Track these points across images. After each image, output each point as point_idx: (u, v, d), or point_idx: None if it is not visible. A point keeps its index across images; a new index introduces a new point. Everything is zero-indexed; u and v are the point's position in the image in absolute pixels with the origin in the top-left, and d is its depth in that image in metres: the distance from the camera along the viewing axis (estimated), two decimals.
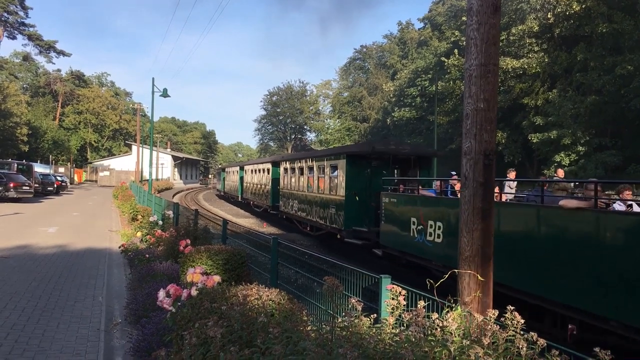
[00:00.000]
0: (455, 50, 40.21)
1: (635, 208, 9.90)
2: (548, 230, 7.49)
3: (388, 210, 12.90)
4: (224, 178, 47.17)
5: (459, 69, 37.31)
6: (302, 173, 20.40)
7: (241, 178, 35.92)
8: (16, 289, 8.09)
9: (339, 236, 16.24)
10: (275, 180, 25.19)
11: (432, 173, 16.50)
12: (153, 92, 30.58)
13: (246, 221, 27.71)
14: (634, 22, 29.14)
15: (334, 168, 16.72)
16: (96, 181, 68.11)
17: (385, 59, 72.66)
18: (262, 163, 29.72)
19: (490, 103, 3.82)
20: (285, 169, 22.99)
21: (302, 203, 19.94)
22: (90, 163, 77.52)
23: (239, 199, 36.84)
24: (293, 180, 21.62)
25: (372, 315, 3.33)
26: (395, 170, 16.58)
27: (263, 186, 27.98)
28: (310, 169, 19.23)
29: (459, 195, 8.51)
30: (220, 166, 68.27)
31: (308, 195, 19.25)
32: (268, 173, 26.70)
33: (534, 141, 32.24)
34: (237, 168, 38.62)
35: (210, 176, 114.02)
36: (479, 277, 3.68)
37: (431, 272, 10.35)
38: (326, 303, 5.12)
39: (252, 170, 32.06)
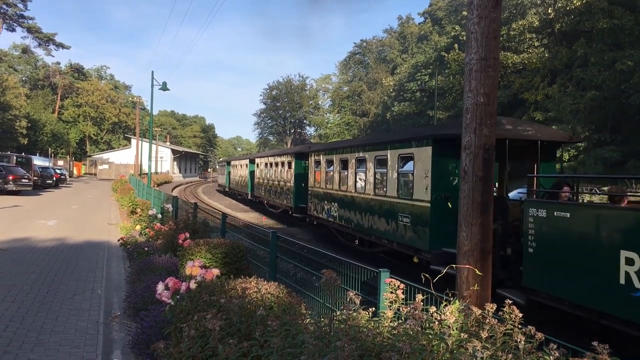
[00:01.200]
0: (456, 45, 40.13)
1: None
2: None
3: (545, 232, 7.61)
4: (229, 172, 42.62)
5: (459, 64, 37.22)
6: (344, 167, 15.72)
7: (252, 172, 32.07)
8: (15, 281, 8.09)
9: (415, 259, 11.26)
10: (300, 176, 21.24)
11: (554, 169, 11.09)
12: (152, 85, 30.49)
13: (246, 215, 27.76)
14: (635, 17, 29.07)
15: (406, 159, 11.88)
16: (95, 174, 68.14)
17: (385, 53, 72.65)
18: (281, 155, 25.04)
19: (490, 97, 3.82)
20: (317, 162, 18.48)
21: (346, 208, 15.36)
22: (90, 156, 77.48)
23: (249, 197, 32.91)
24: (329, 176, 17.14)
25: (370, 309, 3.33)
26: (508, 163, 10.62)
27: (282, 183, 23.90)
28: (361, 161, 14.46)
29: None
30: (223, 159, 63.95)
31: (356, 197, 14.46)
32: (289, 167, 22.60)
33: None
34: (247, 161, 34.33)
35: (209, 170, 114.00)
36: (477, 272, 3.69)
37: None
38: (325, 296, 5.13)
39: (267, 164, 27.47)
